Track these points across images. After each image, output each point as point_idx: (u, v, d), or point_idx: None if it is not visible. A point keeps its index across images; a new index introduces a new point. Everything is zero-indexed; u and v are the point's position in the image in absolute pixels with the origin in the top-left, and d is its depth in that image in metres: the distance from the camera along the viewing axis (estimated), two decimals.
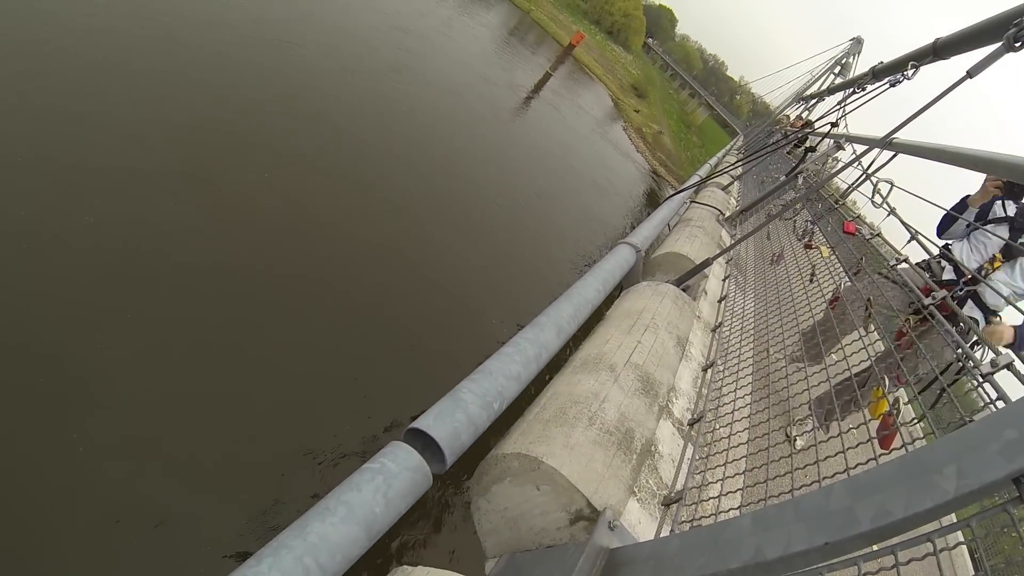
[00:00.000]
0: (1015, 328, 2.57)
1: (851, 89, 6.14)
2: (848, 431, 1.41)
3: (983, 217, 2.85)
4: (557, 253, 8.81)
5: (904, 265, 2.64)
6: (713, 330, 3.02)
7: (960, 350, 1.67)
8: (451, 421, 1.35)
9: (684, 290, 3.24)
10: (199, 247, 4.07)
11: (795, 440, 2.93)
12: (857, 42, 19.63)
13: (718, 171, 9.61)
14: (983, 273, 2.70)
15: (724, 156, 15.99)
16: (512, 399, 1.63)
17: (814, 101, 15.59)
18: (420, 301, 5.35)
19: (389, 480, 1.14)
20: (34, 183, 3.63)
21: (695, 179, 8.26)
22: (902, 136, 3.19)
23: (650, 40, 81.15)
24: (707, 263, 3.38)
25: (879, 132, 3.50)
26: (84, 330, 3.17)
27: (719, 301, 3.52)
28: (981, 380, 1.31)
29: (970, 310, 2.74)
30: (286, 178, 5.43)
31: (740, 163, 10.56)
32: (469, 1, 21.47)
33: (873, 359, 2.16)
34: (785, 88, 24.40)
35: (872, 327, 2.36)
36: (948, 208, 2.98)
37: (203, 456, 3.06)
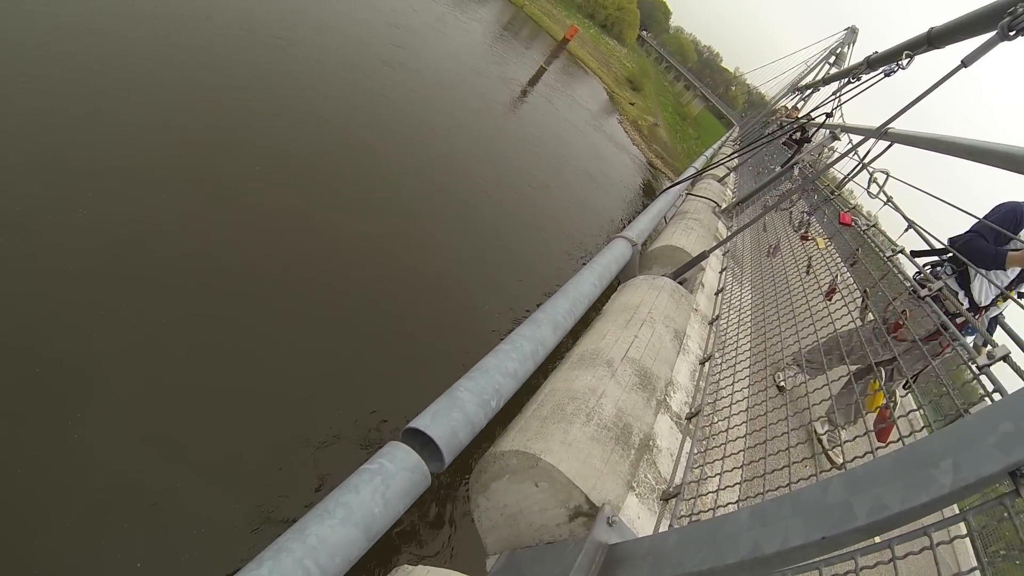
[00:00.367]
0: None
1: (846, 79, 6.14)
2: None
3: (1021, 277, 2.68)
4: (553, 246, 8.80)
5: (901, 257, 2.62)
6: (710, 323, 3.02)
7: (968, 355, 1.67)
8: (448, 420, 1.35)
9: (681, 283, 3.24)
10: (194, 243, 4.05)
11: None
12: (852, 32, 19.57)
13: (714, 163, 9.61)
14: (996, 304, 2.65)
15: (720, 148, 15.98)
16: (509, 396, 1.63)
17: (809, 91, 15.57)
18: (415, 296, 5.34)
19: (387, 480, 1.14)
20: (33, 182, 3.62)
21: (691, 171, 8.27)
22: (897, 126, 3.19)
23: (644, 33, 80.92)
24: (704, 256, 3.38)
25: (875, 122, 3.50)
26: (81, 326, 3.16)
27: (716, 294, 3.53)
28: (978, 372, 1.31)
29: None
30: (278, 173, 5.41)
31: (736, 154, 10.55)
32: None
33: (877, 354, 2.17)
34: (780, 79, 24.42)
35: (868, 318, 2.37)
36: (976, 230, 2.69)
37: (200, 452, 3.05)
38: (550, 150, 13.20)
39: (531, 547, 1.52)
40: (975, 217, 2.60)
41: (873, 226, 3.13)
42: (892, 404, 1.61)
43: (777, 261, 3.95)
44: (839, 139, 5.19)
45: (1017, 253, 2.58)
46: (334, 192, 5.88)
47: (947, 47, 3.57)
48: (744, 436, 1.77)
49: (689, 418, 2.02)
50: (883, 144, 3.26)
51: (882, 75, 4.49)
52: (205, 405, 3.28)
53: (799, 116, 9.97)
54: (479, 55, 16.42)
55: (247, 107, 6.01)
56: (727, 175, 9.02)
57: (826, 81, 12.89)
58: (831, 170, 4.57)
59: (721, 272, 3.94)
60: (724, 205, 6.38)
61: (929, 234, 2.51)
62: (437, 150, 8.66)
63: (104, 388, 3.01)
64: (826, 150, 6.12)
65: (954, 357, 1.82)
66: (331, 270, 4.86)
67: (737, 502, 1.57)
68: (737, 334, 2.69)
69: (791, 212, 5.01)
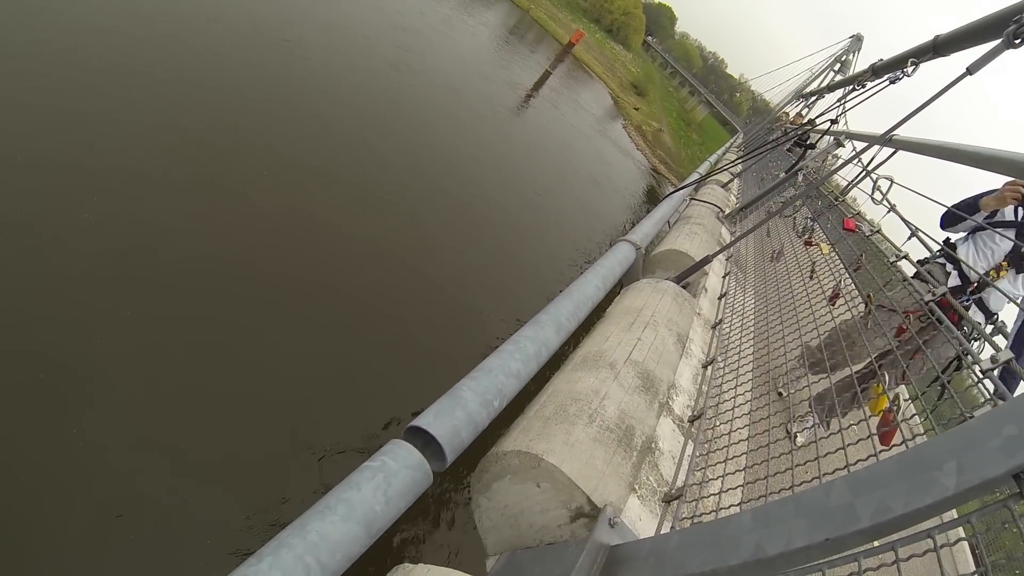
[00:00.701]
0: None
1: (851, 86, 6.14)
2: (848, 427, 1.41)
3: (991, 217, 2.77)
4: (557, 251, 8.81)
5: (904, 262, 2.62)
6: (713, 327, 3.02)
7: (961, 346, 1.67)
8: (451, 419, 1.35)
9: (684, 287, 3.24)
10: (198, 246, 4.07)
11: (795, 437, 2.93)
12: (857, 39, 19.62)
13: (718, 168, 9.61)
14: (989, 278, 2.66)
15: (724, 153, 15.98)
16: (512, 397, 1.63)
17: (814, 98, 15.56)
18: (419, 299, 5.35)
19: (389, 478, 1.14)
20: (34, 182, 3.63)
21: (695, 176, 8.27)
22: (902, 133, 3.19)
23: (649, 38, 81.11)
24: (707, 260, 3.38)
25: (879, 129, 3.50)
26: (83, 328, 3.17)
27: (719, 298, 3.52)
28: (981, 376, 1.31)
29: (972, 313, 2.72)
30: (284, 176, 5.43)
31: (740, 160, 10.55)
32: (469, 0, 21.44)
33: (874, 356, 2.16)
34: (785, 85, 24.44)
35: (871, 323, 2.36)
36: (957, 202, 2.88)
37: (202, 453, 3.06)
38: (555, 155, 13.23)
39: (532, 548, 1.52)
40: (979, 224, 2.61)
41: (877, 231, 3.12)
42: (895, 408, 1.60)
43: (780, 266, 3.94)
44: (843, 146, 5.19)
45: (990, 196, 2.74)
46: (339, 194, 5.90)
47: (952, 55, 3.57)
48: (747, 439, 1.77)
49: (691, 421, 2.02)
50: (887, 151, 3.26)
51: (887, 82, 4.49)
52: (207, 408, 3.29)
53: (804, 123, 9.97)
54: (485, 59, 16.49)
55: (253, 109, 6.05)
56: (731, 181, 9.02)
57: (831, 88, 12.89)
58: (835, 176, 4.56)
59: (724, 277, 3.94)
60: (728, 210, 6.38)
61: (934, 240, 2.51)
62: (442, 153, 8.69)
63: (106, 390, 3.02)
64: (830, 156, 6.11)
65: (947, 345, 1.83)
66: (335, 272, 4.88)
67: (739, 505, 1.56)
68: (740, 338, 2.69)
69: (795, 218, 5.00)
